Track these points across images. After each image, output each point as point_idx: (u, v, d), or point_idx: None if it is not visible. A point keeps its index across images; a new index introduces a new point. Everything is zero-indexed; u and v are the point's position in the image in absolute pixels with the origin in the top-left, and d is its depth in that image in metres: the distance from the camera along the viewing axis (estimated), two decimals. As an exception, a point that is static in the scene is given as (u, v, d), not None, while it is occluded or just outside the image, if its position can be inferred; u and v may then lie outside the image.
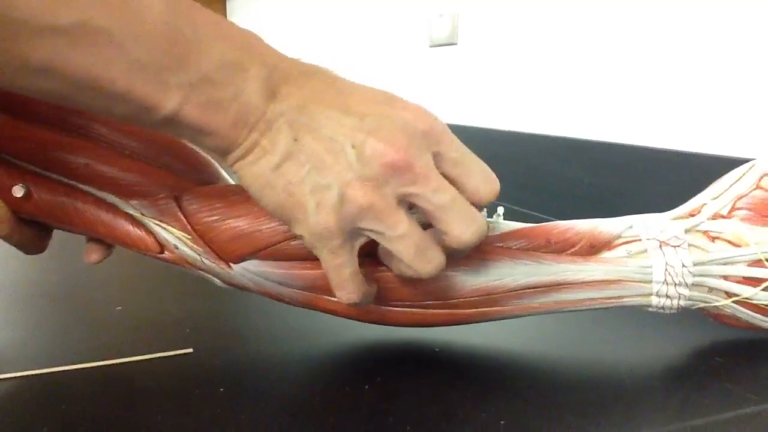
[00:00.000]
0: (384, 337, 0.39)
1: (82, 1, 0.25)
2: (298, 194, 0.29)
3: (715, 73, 0.60)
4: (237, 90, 0.29)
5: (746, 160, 0.40)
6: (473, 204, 0.30)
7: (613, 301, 0.36)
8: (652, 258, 0.36)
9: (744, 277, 0.37)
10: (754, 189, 0.38)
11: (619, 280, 0.36)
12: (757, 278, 0.37)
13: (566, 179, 0.77)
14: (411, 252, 0.30)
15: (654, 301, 0.36)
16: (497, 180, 0.30)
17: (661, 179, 0.64)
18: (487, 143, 0.92)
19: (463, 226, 0.30)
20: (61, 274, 0.53)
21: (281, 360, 0.37)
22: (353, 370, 0.36)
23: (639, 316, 0.39)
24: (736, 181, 0.39)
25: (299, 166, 0.29)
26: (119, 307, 0.45)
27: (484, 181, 0.30)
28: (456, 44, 1.01)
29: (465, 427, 0.30)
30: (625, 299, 0.36)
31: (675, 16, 0.64)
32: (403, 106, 0.30)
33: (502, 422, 0.30)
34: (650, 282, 0.36)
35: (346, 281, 0.31)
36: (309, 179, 0.29)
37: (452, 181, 0.30)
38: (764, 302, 0.37)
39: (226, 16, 2.52)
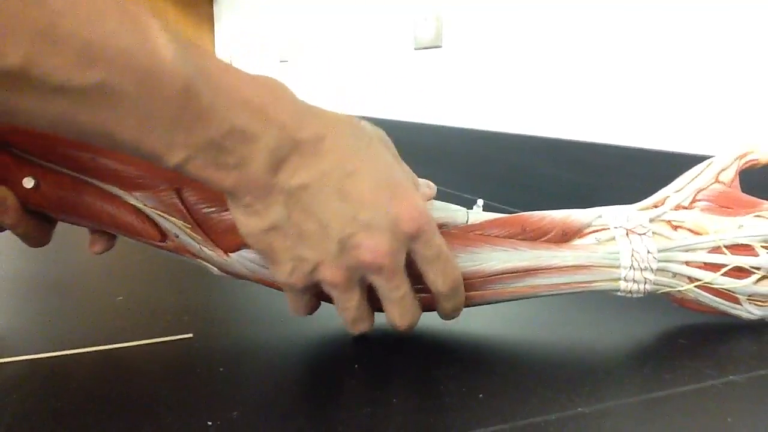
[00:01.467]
0: (372, 321, 0.41)
1: (104, 63, 0.25)
2: (278, 256, 0.33)
3: (681, 79, 0.63)
4: (242, 158, 0.30)
5: (707, 157, 0.43)
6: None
7: (583, 285, 0.39)
8: (619, 245, 0.38)
9: (704, 263, 0.40)
10: (713, 183, 0.41)
11: (590, 265, 0.38)
12: (716, 264, 0.40)
13: (544, 176, 0.80)
14: (349, 318, 0.36)
15: (622, 285, 0.39)
16: (457, 278, 0.36)
17: (631, 175, 0.67)
18: (469, 143, 0.95)
19: (400, 317, 0.35)
20: (64, 265, 0.54)
21: (277, 343, 0.40)
22: (344, 351, 0.39)
23: (610, 302, 0.42)
24: (697, 175, 0.42)
25: (285, 238, 0.32)
26: (120, 297, 0.46)
27: (443, 278, 0.35)
28: (441, 47, 1.03)
29: (446, 399, 0.32)
30: (595, 284, 0.39)
31: (646, 26, 0.67)
32: (401, 200, 0.32)
33: (480, 396, 0.33)
34: (618, 267, 0.38)
35: (299, 307, 0.37)
36: (291, 250, 0.32)
37: (421, 271, 0.35)
38: (724, 287, 0.40)
39: (213, 17, 2.52)
